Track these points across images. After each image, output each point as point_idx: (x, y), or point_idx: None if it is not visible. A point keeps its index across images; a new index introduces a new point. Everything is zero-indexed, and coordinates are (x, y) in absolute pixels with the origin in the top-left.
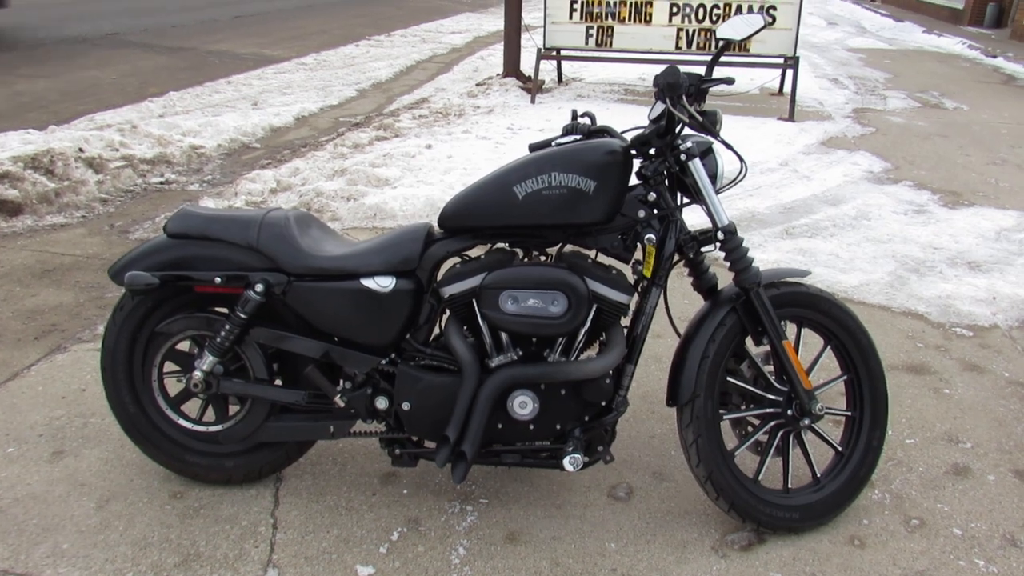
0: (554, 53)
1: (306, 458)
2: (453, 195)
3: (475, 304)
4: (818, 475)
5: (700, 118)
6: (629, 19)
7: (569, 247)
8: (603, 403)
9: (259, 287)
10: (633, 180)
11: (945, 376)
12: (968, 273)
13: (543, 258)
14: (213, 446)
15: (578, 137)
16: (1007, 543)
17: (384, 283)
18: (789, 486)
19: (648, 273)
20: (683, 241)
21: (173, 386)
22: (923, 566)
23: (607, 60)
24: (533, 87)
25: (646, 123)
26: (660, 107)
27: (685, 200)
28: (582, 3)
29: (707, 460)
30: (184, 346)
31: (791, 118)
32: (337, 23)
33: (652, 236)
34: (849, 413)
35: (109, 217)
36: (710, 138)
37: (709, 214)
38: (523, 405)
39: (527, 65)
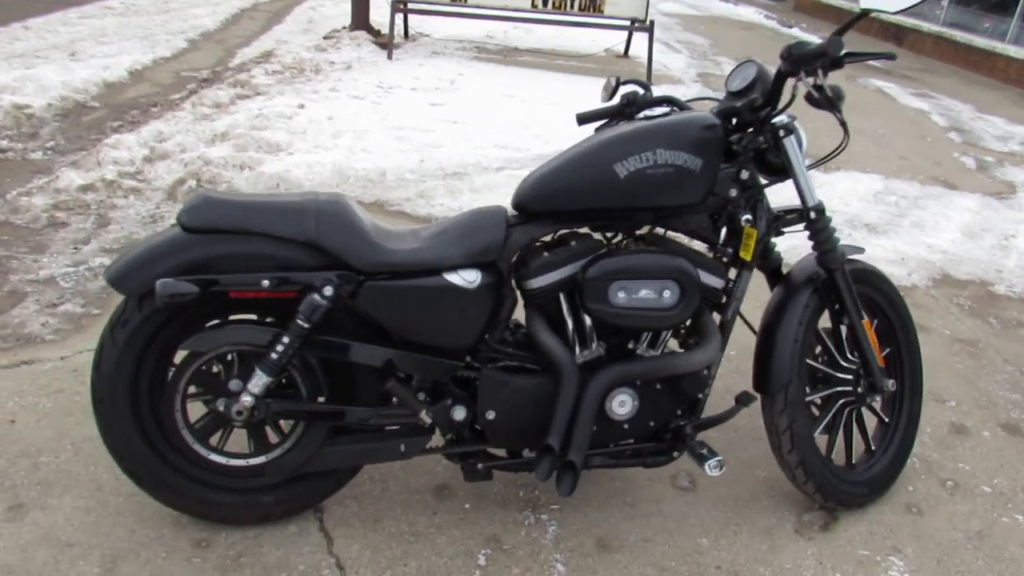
0: (403, 6)
1: None
2: (530, 174)
3: (562, 297)
4: (872, 448)
5: (830, 93)
6: None
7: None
8: (698, 396)
9: (328, 290)
10: None
11: None
12: (870, 235)
13: (630, 243)
14: (245, 481)
15: (668, 110)
16: None
17: (470, 277)
18: (853, 462)
19: (748, 256)
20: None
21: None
22: (977, 527)
23: (463, 16)
24: (389, 42)
25: (709, 94)
26: (744, 78)
27: (766, 178)
28: None
29: (800, 445)
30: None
31: (649, 81)
32: None
33: (750, 217)
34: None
35: None
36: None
37: (800, 192)
38: (622, 404)
39: (375, 18)
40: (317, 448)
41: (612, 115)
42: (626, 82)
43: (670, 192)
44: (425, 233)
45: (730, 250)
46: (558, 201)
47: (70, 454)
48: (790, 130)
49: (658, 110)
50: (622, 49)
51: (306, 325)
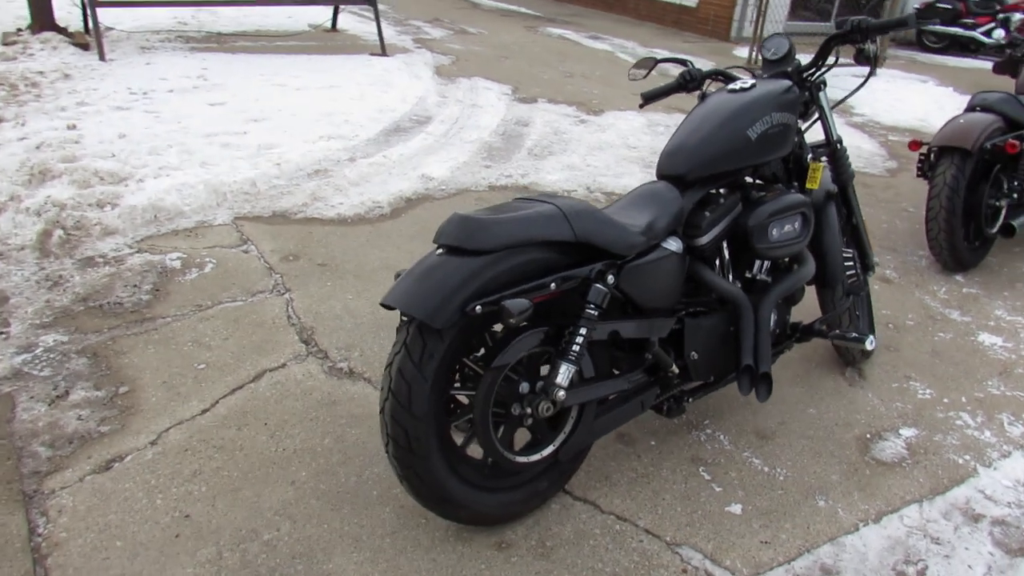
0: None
1: None
2: (668, 151)
3: (722, 246)
4: (858, 312)
5: (878, 53)
6: None
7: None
8: (798, 301)
9: (611, 278)
10: None
11: None
12: None
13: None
14: (522, 476)
15: (752, 81)
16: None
17: (676, 245)
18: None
19: (816, 185)
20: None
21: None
22: (928, 348)
23: (163, 4)
24: (98, 43)
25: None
26: (778, 48)
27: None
28: None
29: (852, 320)
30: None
31: (384, 52)
32: None
33: (812, 155)
34: None
35: None
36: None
37: (826, 130)
38: (770, 319)
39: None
40: (592, 423)
41: (672, 91)
42: (663, 60)
43: (780, 145)
44: (623, 213)
45: (796, 183)
46: (708, 168)
47: (288, 524)
48: (825, 83)
49: (748, 82)
50: (328, 24)
51: (595, 313)
